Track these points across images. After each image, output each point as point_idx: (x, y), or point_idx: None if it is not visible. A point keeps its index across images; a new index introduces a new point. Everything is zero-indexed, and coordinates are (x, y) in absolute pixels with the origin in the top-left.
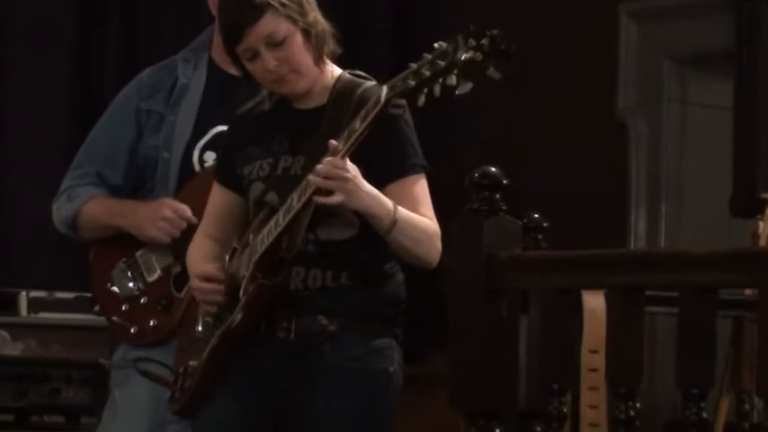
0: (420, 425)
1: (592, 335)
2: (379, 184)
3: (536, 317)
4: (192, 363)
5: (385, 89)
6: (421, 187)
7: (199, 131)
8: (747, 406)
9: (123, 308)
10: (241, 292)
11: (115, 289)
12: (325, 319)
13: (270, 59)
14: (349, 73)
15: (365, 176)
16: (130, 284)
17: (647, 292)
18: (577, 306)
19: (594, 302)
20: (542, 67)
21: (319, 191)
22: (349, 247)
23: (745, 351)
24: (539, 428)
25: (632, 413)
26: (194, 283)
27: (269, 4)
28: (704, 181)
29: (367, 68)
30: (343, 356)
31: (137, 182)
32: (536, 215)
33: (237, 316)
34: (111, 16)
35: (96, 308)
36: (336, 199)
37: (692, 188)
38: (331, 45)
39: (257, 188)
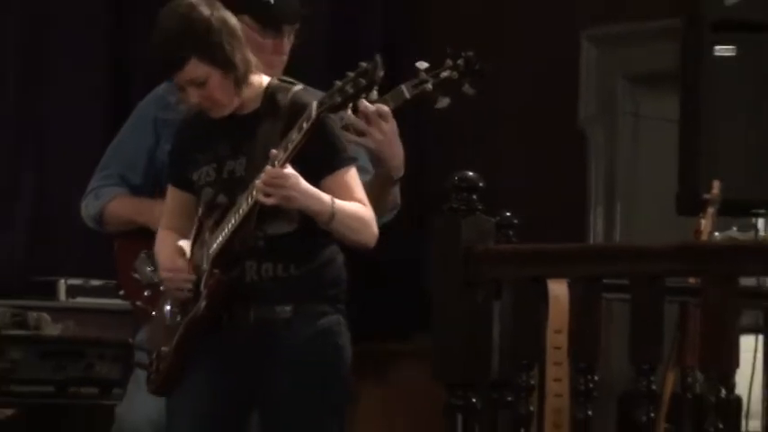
0: (405, 394)
1: (556, 317)
2: (316, 179)
3: (507, 302)
4: (163, 348)
5: (314, 105)
6: (352, 177)
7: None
8: (690, 379)
9: (145, 293)
10: (202, 286)
11: (138, 276)
12: (279, 306)
13: (194, 95)
14: (277, 79)
15: (302, 173)
16: (152, 273)
17: (604, 281)
18: (543, 293)
19: (558, 290)
20: (513, 83)
21: (265, 196)
22: (294, 240)
23: (689, 332)
24: (509, 398)
25: (591, 385)
26: (165, 274)
27: (192, 52)
28: (654, 184)
29: None
30: (297, 337)
31: (155, 182)
32: (507, 213)
33: (200, 307)
34: (140, 34)
35: (121, 293)
36: (275, 201)
37: (644, 190)
38: (251, 71)
39: (208, 193)
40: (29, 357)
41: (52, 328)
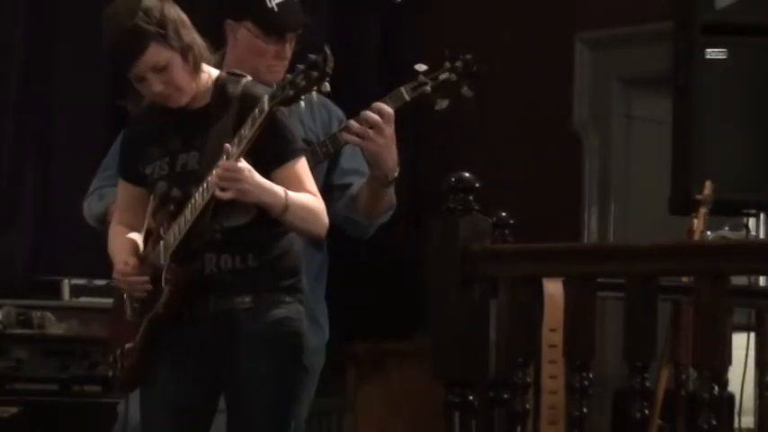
0: (403, 392)
1: (551, 316)
2: (268, 170)
3: (504, 301)
4: (127, 345)
5: (266, 99)
6: (302, 167)
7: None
8: (684, 376)
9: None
10: (163, 282)
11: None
12: (238, 296)
13: (156, 83)
14: (226, 72)
15: (254, 165)
16: None
17: (599, 280)
18: (539, 291)
19: (554, 288)
20: (510, 85)
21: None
22: (250, 231)
23: (682, 329)
24: (506, 395)
25: (586, 383)
26: (118, 277)
27: (151, 38)
28: (647, 184)
29: (357, 89)
30: (257, 325)
31: None
32: (503, 213)
33: (161, 303)
34: None
35: None
36: (231, 195)
37: (637, 190)
38: (206, 55)
39: (161, 186)
40: (33, 356)
41: (56, 327)
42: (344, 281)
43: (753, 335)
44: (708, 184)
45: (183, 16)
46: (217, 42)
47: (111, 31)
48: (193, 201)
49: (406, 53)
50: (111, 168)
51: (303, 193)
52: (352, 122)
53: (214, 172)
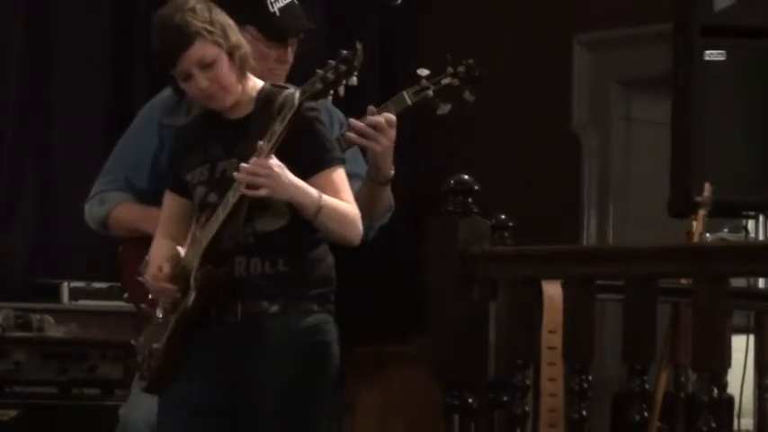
0: (403, 395)
1: (550, 318)
2: (304, 177)
3: (503, 302)
4: (155, 345)
5: (297, 93)
6: (340, 177)
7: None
8: (683, 378)
9: (150, 296)
10: (191, 281)
11: (143, 280)
12: (267, 301)
13: (202, 80)
14: (270, 84)
15: (293, 172)
16: None
17: (598, 282)
18: (538, 293)
19: (553, 290)
20: (509, 87)
21: (249, 186)
22: (283, 236)
23: (681, 332)
24: (505, 397)
25: (585, 385)
26: (149, 282)
27: (198, 33)
28: (646, 186)
29: (356, 91)
30: (283, 333)
31: (159, 186)
32: (502, 216)
33: (189, 302)
34: (141, 43)
35: (126, 296)
36: (262, 192)
37: (636, 192)
38: (252, 63)
39: (200, 192)
40: (32, 359)
41: (55, 330)
42: (343, 283)
43: (752, 337)
44: (707, 185)
45: (231, 22)
46: None
47: (158, 29)
48: (225, 200)
49: (405, 55)
50: (113, 173)
51: (338, 199)
52: (355, 121)
53: (241, 166)
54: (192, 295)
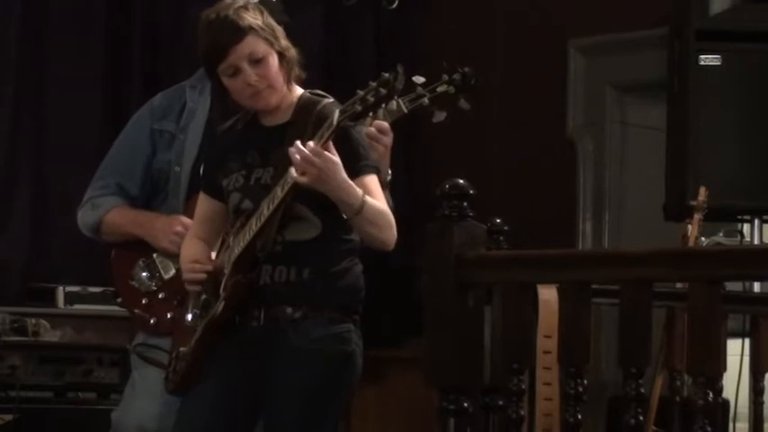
0: (398, 400)
1: (546, 322)
2: None
3: (498, 307)
4: (182, 348)
5: (337, 113)
6: (374, 183)
7: (204, 149)
8: (678, 382)
9: (143, 301)
10: (221, 288)
11: (135, 285)
12: (290, 308)
13: (251, 74)
14: (309, 92)
15: None
16: (149, 281)
17: (593, 286)
18: (533, 298)
19: (548, 294)
20: (504, 93)
21: (302, 172)
22: (311, 246)
23: (676, 336)
24: (501, 402)
25: (581, 389)
26: (184, 266)
27: (250, 28)
28: (641, 190)
29: (352, 95)
30: (305, 339)
31: (151, 192)
32: (498, 220)
33: (219, 308)
34: (136, 48)
35: (119, 300)
36: (309, 179)
37: (631, 196)
38: (296, 70)
39: (235, 198)
40: (28, 363)
41: (51, 335)
42: None
43: (747, 341)
44: (702, 189)
45: (280, 27)
46: None
47: (208, 25)
48: (260, 211)
49: (401, 58)
50: (105, 178)
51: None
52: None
53: (299, 149)
54: (222, 303)
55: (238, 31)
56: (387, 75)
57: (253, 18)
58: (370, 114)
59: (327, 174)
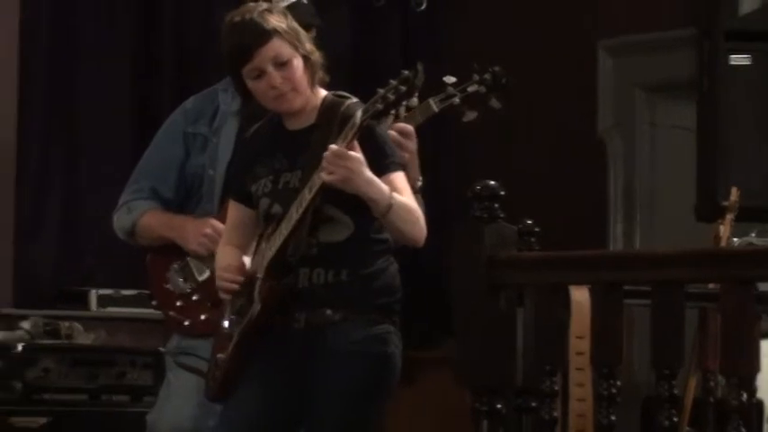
0: (431, 401)
1: (578, 323)
2: None
3: (530, 308)
4: (220, 355)
5: (359, 113)
6: (401, 180)
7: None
8: (712, 383)
9: (178, 303)
10: (256, 293)
11: (170, 287)
12: (330, 310)
13: (276, 77)
14: (332, 94)
15: None
16: (184, 284)
17: (625, 287)
18: (565, 299)
19: (580, 296)
20: (534, 94)
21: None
22: (346, 247)
23: (709, 336)
24: (533, 403)
25: (614, 390)
26: (218, 273)
27: (275, 31)
28: (672, 191)
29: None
30: (345, 341)
31: (185, 195)
32: (529, 221)
33: (254, 313)
34: (166, 52)
35: (154, 303)
36: (336, 178)
37: (662, 197)
38: (320, 73)
39: (264, 203)
40: (61, 366)
41: (84, 337)
42: None
43: None
44: (734, 190)
45: (305, 33)
46: None
47: (233, 27)
48: (289, 215)
49: (429, 60)
50: (141, 182)
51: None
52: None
53: (324, 155)
54: (257, 308)
55: (264, 34)
56: (407, 72)
57: (277, 21)
58: (392, 112)
59: (353, 173)
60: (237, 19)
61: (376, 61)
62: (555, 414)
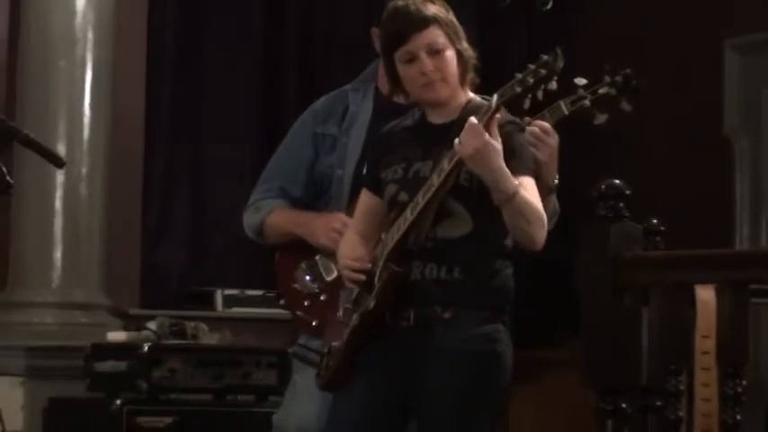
0: (556, 401)
1: (704, 323)
2: None
3: (656, 308)
4: (334, 344)
5: (496, 96)
6: (529, 183)
7: (366, 153)
8: None
9: (305, 303)
10: (376, 280)
11: (298, 287)
12: (440, 307)
13: (428, 63)
14: (480, 97)
15: None
16: (312, 283)
17: (752, 286)
18: (691, 298)
19: (706, 295)
20: (661, 94)
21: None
22: (462, 245)
23: None
24: (659, 403)
25: (739, 389)
26: (341, 261)
27: (435, 19)
28: None
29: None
30: (454, 339)
31: (314, 195)
32: (654, 220)
33: (373, 300)
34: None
35: (282, 302)
36: (468, 151)
37: None
38: (472, 74)
39: (391, 189)
40: (187, 366)
41: (209, 338)
42: None
43: None
44: None
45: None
46: (372, 54)
47: (394, 12)
48: (415, 201)
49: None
50: (269, 182)
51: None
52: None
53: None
54: (376, 291)
55: (423, 20)
56: (545, 56)
57: (438, 10)
58: (529, 96)
59: (484, 154)
60: (401, 4)
61: (501, 62)
62: (680, 414)
